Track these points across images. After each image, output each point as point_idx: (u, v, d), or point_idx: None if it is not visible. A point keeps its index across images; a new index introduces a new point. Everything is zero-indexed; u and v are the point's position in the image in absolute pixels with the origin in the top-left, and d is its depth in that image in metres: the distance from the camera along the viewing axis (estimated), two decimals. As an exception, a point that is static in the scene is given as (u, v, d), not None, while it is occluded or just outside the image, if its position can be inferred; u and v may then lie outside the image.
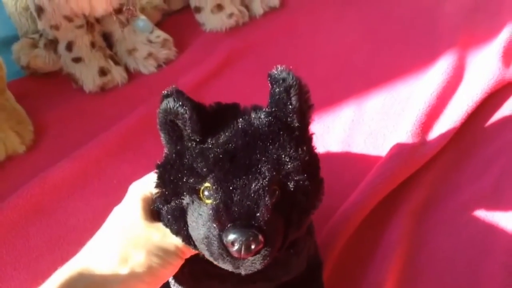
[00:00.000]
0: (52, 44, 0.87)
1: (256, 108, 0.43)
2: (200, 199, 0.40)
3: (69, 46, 0.85)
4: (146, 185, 0.46)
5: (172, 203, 0.42)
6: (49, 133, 0.82)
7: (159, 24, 0.98)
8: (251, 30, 0.97)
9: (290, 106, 0.41)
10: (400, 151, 0.71)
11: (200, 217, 0.39)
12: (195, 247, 0.41)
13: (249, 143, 0.40)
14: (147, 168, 0.73)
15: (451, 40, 0.89)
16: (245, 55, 0.93)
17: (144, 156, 0.77)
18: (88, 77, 0.86)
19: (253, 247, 0.37)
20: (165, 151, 0.43)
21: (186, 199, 0.41)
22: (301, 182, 0.41)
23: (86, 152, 0.76)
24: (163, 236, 0.42)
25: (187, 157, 0.41)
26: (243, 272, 0.39)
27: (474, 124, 0.77)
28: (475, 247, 0.63)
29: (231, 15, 0.95)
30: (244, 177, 0.39)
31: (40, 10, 0.82)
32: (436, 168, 0.72)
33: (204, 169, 0.39)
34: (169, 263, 0.42)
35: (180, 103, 0.39)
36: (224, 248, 0.37)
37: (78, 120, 0.84)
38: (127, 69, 0.91)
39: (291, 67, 0.41)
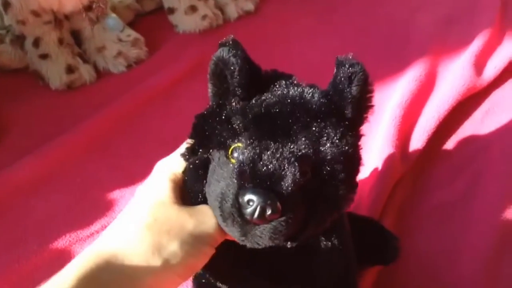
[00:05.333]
0: (19, 40, 0.85)
1: (312, 86, 0.41)
2: (227, 157, 0.37)
3: (36, 42, 0.83)
4: (173, 164, 0.42)
5: (199, 155, 0.39)
6: (13, 130, 0.79)
7: (131, 25, 0.96)
8: (225, 33, 0.95)
9: (349, 94, 0.39)
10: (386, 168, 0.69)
11: (221, 174, 0.37)
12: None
13: (294, 113, 0.37)
14: (111, 167, 0.73)
15: (423, 50, 0.90)
16: (218, 57, 0.91)
17: (109, 156, 0.75)
18: (54, 74, 0.84)
19: (268, 212, 0.33)
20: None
21: (213, 154, 0.38)
22: (336, 173, 0.37)
23: (50, 150, 0.74)
24: (197, 223, 0.38)
25: (227, 111, 0.39)
26: (248, 244, 0.36)
27: (446, 131, 0.76)
28: (447, 250, 0.62)
29: (204, 17, 0.94)
30: (278, 141, 0.36)
31: (6, 4, 0.79)
32: (408, 173, 0.71)
33: (241, 125, 0.37)
34: (203, 253, 0.38)
35: (234, 53, 0.38)
36: (237, 208, 0.34)
37: (44, 118, 0.81)
38: (96, 68, 0.88)
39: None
